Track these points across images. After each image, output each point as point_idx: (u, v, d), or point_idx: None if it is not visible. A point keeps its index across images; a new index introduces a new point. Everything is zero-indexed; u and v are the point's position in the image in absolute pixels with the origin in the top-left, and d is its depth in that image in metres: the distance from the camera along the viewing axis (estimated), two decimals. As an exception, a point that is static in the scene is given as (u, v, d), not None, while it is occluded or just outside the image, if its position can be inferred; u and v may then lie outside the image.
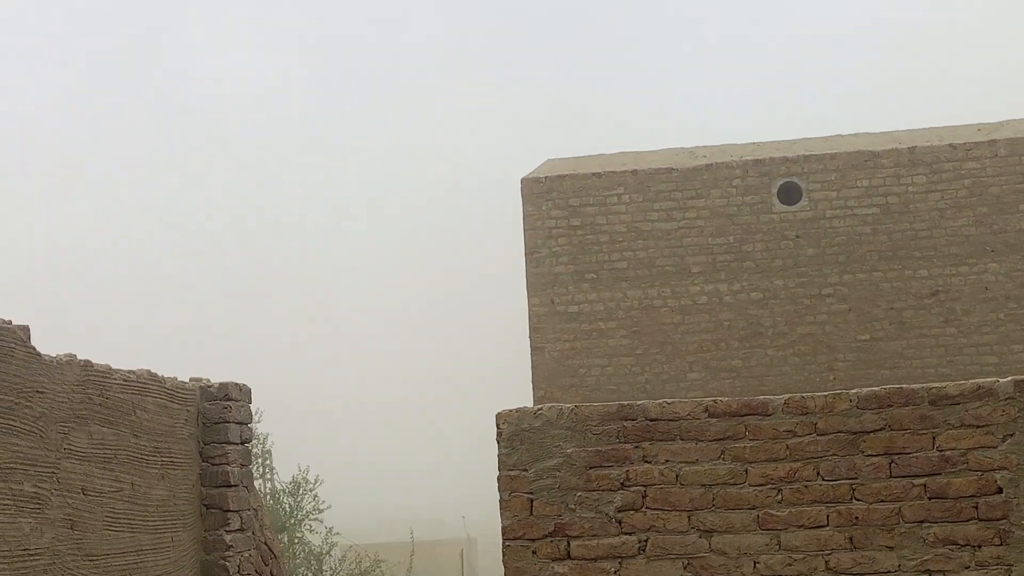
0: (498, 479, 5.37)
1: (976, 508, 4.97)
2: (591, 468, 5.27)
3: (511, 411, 5.42)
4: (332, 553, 19.54)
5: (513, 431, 5.36)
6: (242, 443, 6.99)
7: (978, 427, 5.02)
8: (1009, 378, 5.07)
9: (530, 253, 14.34)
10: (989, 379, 5.15)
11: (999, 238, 13.57)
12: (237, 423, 6.92)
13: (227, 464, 6.77)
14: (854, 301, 13.73)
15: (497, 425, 5.41)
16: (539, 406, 5.42)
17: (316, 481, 19.45)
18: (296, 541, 18.80)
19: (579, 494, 5.26)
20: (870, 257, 13.77)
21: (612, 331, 14.08)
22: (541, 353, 14.16)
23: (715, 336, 13.91)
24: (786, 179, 14.07)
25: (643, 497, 5.22)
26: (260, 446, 18.65)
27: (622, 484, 5.24)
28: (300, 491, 19.24)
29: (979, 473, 4.99)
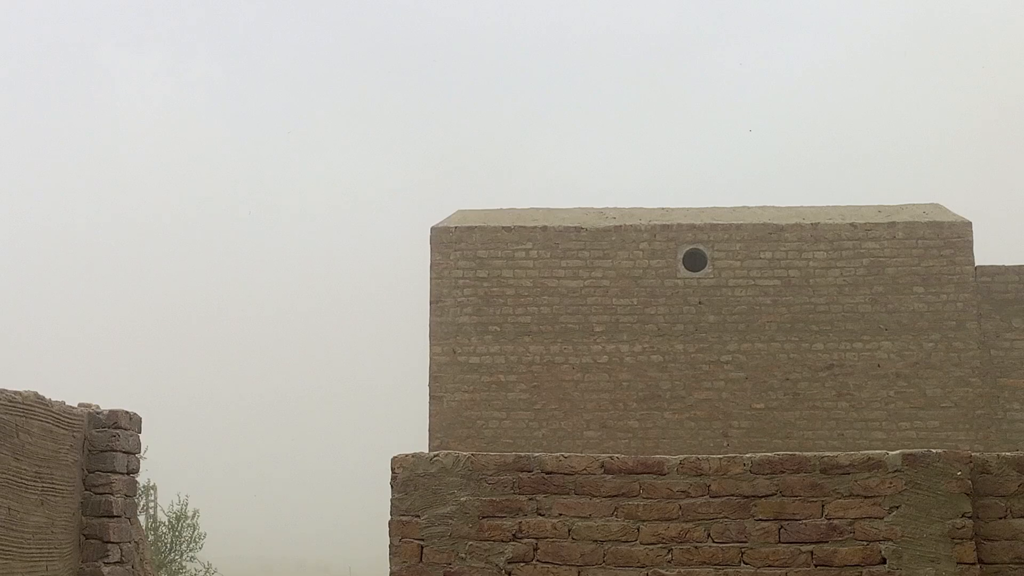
0: (389, 524, 5.31)
1: (860, 577, 5.03)
2: (484, 517, 5.23)
3: (407, 456, 5.37)
4: None
5: (408, 476, 5.31)
6: (128, 473, 6.80)
7: (866, 497, 5.11)
8: (898, 451, 5.18)
9: (435, 302, 14.31)
10: (879, 451, 5.25)
11: (893, 317, 13.93)
12: (125, 452, 6.73)
13: (111, 494, 6.57)
14: (751, 370, 13.94)
15: (392, 469, 5.36)
16: (435, 452, 5.38)
17: (194, 515, 19.11)
18: (175, 573, 18.37)
19: (470, 543, 5.21)
20: (769, 328, 14.01)
21: (512, 384, 14.07)
22: (439, 402, 14.09)
23: (614, 396, 14.00)
24: (692, 246, 14.29)
25: (535, 550, 5.19)
26: (146, 482, 18.25)
27: (514, 536, 5.21)
28: (180, 523, 18.90)
29: (865, 543, 5.07)
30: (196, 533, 18.95)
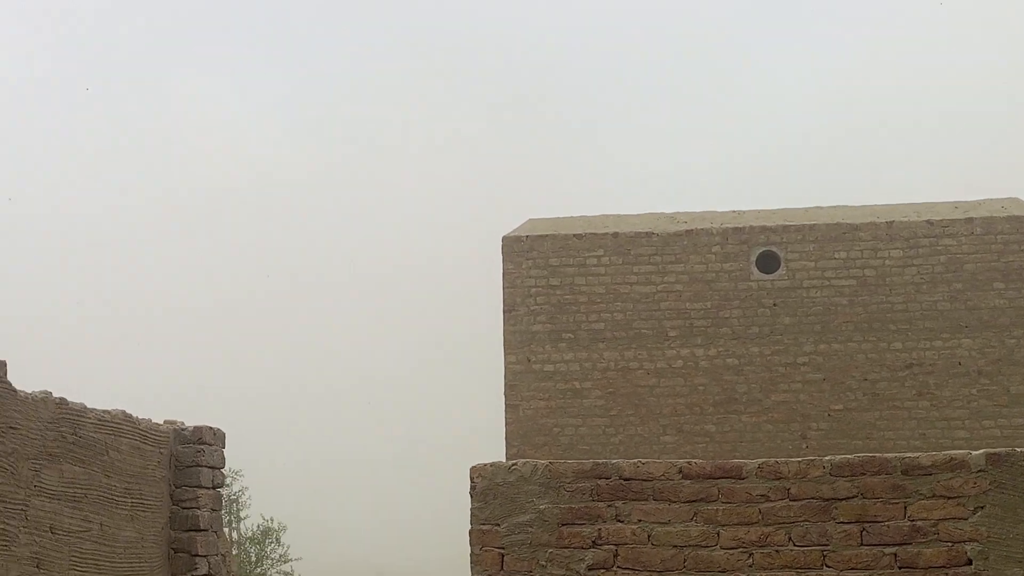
0: (470, 533, 5.35)
1: (945, 579, 4.98)
2: (563, 525, 5.26)
3: (485, 465, 5.42)
4: None
5: (487, 485, 5.36)
6: (213, 487, 6.95)
7: (949, 498, 5.05)
8: (981, 451, 5.11)
9: (508, 311, 14.38)
10: (962, 451, 5.19)
11: (973, 315, 13.71)
12: (209, 467, 6.88)
13: (197, 508, 6.72)
14: (829, 371, 13.80)
15: (471, 479, 5.40)
16: (513, 461, 5.42)
17: (280, 528, 19.33)
18: None
19: (550, 551, 5.24)
20: (846, 328, 13.87)
21: (587, 391, 14.09)
22: (515, 411, 14.15)
23: (689, 400, 13.94)
24: (765, 248, 14.19)
25: (614, 556, 5.21)
26: (229, 495, 18.54)
27: (594, 542, 5.23)
28: (266, 539, 19.12)
29: (949, 544, 5.01)
30: (285, 552, 19.16)
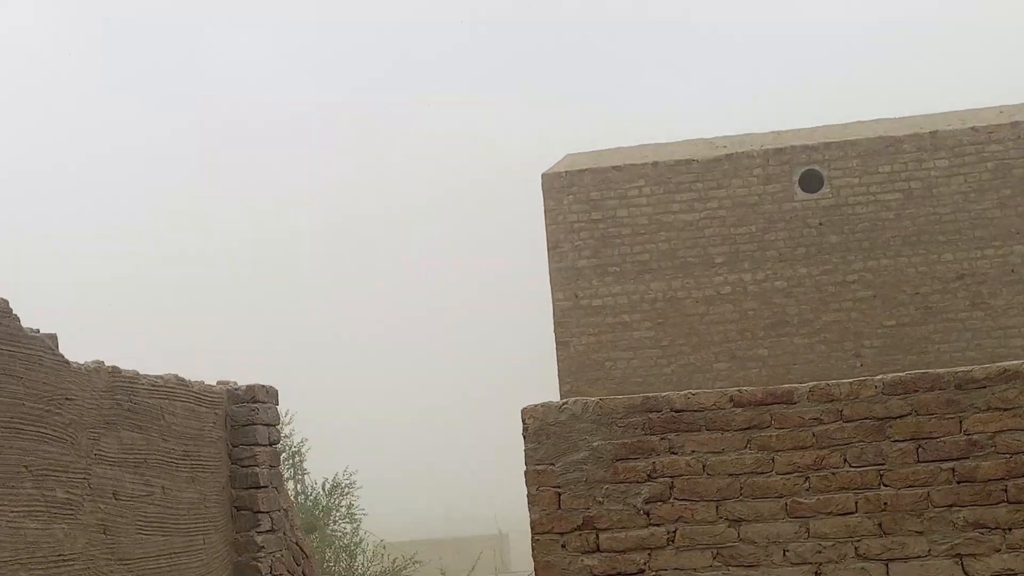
0: (525, 474, 5.39)
1: (1005, 491, 4.95)
2: (618, 460, 5.28)
3: (536, 406, 5.44)
4: (363, 548, 19.63)
5: (539, 426, 5.38)
6: (270, 444, 7.04)
7: (1005, 410, 5.00)
8: (1035, 360, 5.05)
9: (552, 248, 14.34)
10: (1016, 362, 5.12)
11: (1024, 220, 13.48)
12: (265, 425, 6.97)
13: (256, 466, 6.81)
14: (879, 287, 13.66)
15: (523, 420, 5.43)
16: (564, 400, 5.43)
17: (353, 483, 19.49)
18: (328, 539, 18.89)
19: (606, 487, 5.26)
20: (894, 243, 13.70)
21: (637, 323, 14.06)
22: (566, 348, 14.16)
23: (740, 326, 13.88)
24: (807, 167, 14.01)
25: (670, 488, 5.22)
26: (290, 448, 18.75)
27: (649, 476, 5.25)
28: (337, 492, 19.32)
29: (1007, 456, 4.97)
30: (352, 508, 19.35)
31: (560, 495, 5.30)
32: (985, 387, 5.03)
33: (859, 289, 13.71)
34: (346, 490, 19.47)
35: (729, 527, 5.14)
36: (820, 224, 13.88)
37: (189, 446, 6.42)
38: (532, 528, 5.34)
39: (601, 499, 5.26)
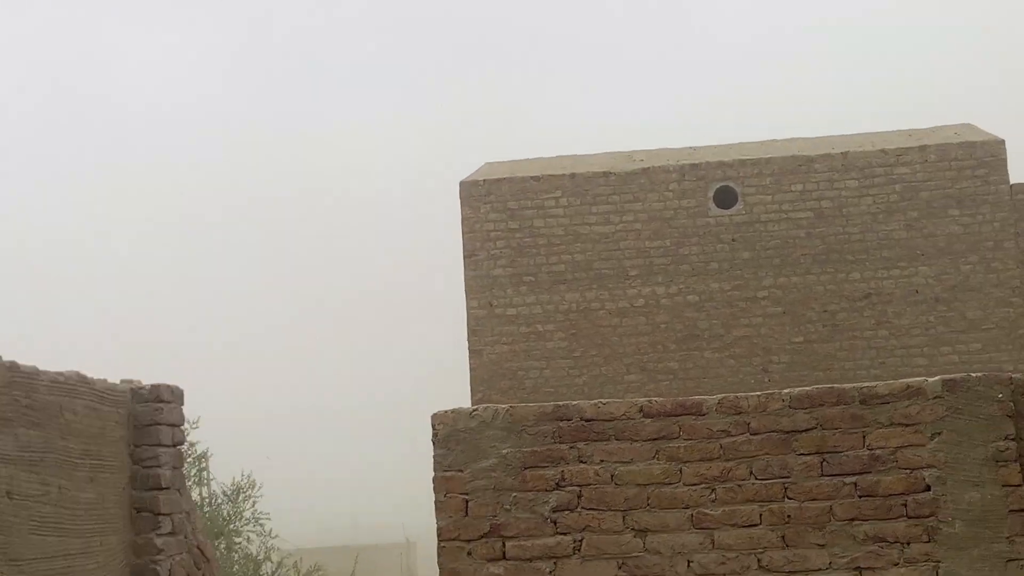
0: (433, 480, 5.35)
1: (905, 506, 5.03)
2: (526, 468, 5.26)
3: (446, 412, 5.40)
4: (271, 558, 19.35)
5: (448, 432, 5.35)
6: (174, 445, 6.89)
7: (907, 426, 5.09)
8: (937, 377, 5.15)
9: (468, 256, 14.33)
10: (918, 378, 5.22)
11: (929, 242, 13.80)
12: (169, 425, 6.81)
13: (158, 467, 6.66)
14: (788, 304, 13.88)
15: (433, 426, 5.39)
16: (474, 407, 5.41)
17: (256, 487, 19.22)
18: (234, 547, 18.59)
19: (514, 494, 5.25)
20: (804, 260, 13.93)
21: (550, 334, 14.10)
22: (479, 356, 14.15)
23: (652, 339, 13.99)
24: (722, 183, 14.19)
25: (578, 497, 5.22)
26: (195, 452, 18.42)
27: (557, 484, 5.24)
28: (240, 497, 19.02)
29: (908, 471, 5.06)
30: (256, 511, 19.08)
31: (468, 502, 5.27)
32: (888, 403, 5.12)
33: (769, 305, 13.92)
34: (249, 495, 19.18)
35: (635, 537, 5.16)
36: (733, 240, 14.06)
37: (89, 445, 6.25)
38: (439, 535, 5.30)
39: (509, 507, 5.24)
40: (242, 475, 19.13)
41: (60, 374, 6.15)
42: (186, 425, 7.39)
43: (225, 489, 19.12)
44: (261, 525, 18.96)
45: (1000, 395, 5.04)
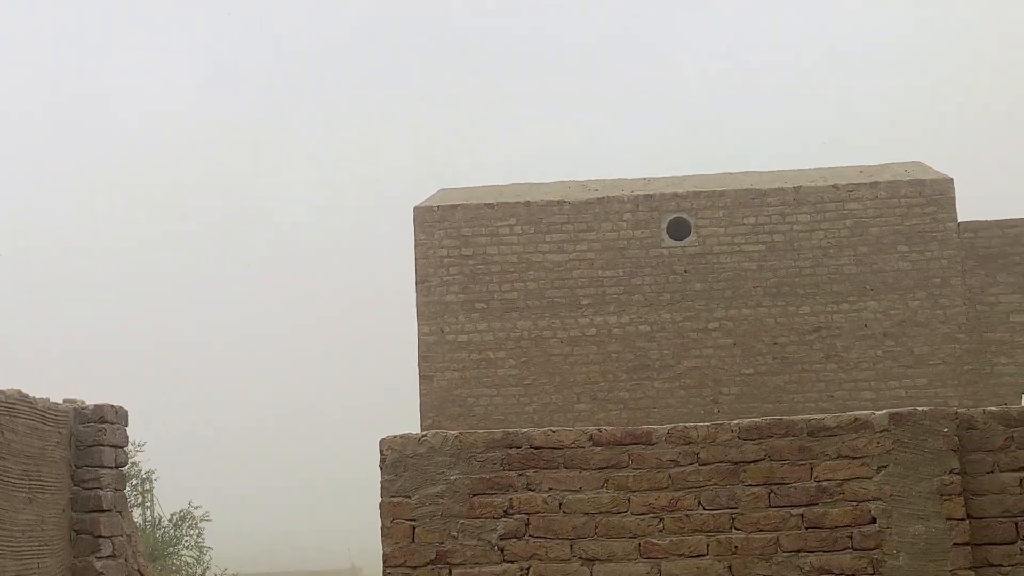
0: (380, 506, 5.30)
1: (851, 538, 5.05)
2: (474, 495, 5.22)
3: (395, 437, 5.35)
4: None
5: (397, 457, 5.30)
6: (116, 467, 6.78)
7: (854, 458, 5.11)
8: (884, 411, 5.18)
9: (421, 281, 14.28)
10: (865, 412, 5.25)
11: (878, 277, 13.95)
12: (112, 446, 6.71)
13: (100, 488, 6.55)
14: (739, 336, 13.96)
15: (381, 451, 5.34)
16: (423, 432, 5.36)
17: (202, 516, 19.06)
18: (172, 568, 18.37)
19: (462, 521, 5.20)
20: (755, 293, 14.02)
21: (501, 361, 14.07)
22: (429, 382, 14.08)
23: (603, 368, 14.01)
24: (675, 214, 14.27)
25: (526, 525, 5.19)
26: (140, 475, 18.20)
27: (505, 512, 5.21)
28: (186, 523, 18.85)
29: (854, 503, 5.07)
30: (199, 536, 18.89)
31: (415, 528, 5.22)
32: (836, 435, 5.14)
33: (720, 337, 13.99)
34: (195, 522, 19.00)
35: (583, 566, 5.13)
36: (685, 271, 14.14)
37: (29, 465, 6.13)
38: (384, 561, 5.24)
39: (456, 534, 5.20)
40: (189, 504, 18.97)
41: (0, 392, 6.03)
42: (130, 447, 7.27)
43: (170, 514, 18.93)
44: (200, 551, 18.77)
45: (945, 429, 5.07)
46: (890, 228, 14.03)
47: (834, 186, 14.19)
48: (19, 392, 6.15)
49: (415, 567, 5.19)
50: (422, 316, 14.21)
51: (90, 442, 6.62)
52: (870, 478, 5.08)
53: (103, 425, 6.63)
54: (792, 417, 5.24)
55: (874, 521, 5.04)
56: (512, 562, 5.16)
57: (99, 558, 6.43)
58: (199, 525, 18.94)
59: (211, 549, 18.97)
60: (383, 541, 5.28)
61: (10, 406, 5.99)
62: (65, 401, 6.69)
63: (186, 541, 18.75)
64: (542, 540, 5.17)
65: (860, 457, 5.10)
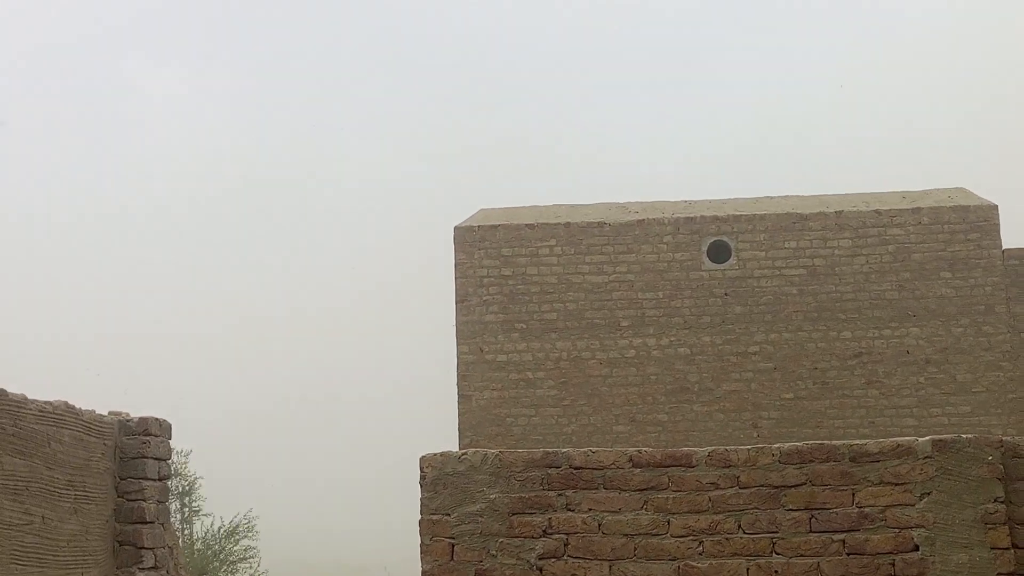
0: (420, 523, 5.32)
1: (893, 565, 5.01)
2: (514, 514, 5.23)
3: (435, 455, 5.38)
4: None
5: (436, 475, 5.32)
6: (160, 479, 6.85)
7: (897, 485, 5.08)
8: (928, 437, 5.15)
9: (461, 301, 14.33)
10: (908, 438, 5.22)
11: (920, 303, 13.85)
12: (155, 459, 6.79)
13: (143, 500, 6.62)
14: (779, 360, 13.89)
15: (421, 469, 5.37)
16: (463, 451, 5.39)
17: (252, 527, 19.22)
18: None
19: (501, 540, 5.22)
20: (796, 317, 13.95)
21: (540, 381, 14.08)
22: (468, 401, 14.10)
23: (642, 390, 13.97)
24: (716, 237, 14.24)
25: (565, 545, 5.19)
26: (182, 488, 18.38)
27: (544, 531, 5.21)
28: (234, 536, 19.02)
29: (896, 530, 5.04)
30: (246, 550, 19.06)
31: (454, 546, 5.24)
32: (878, 461, 5.12)
33: (760, 361, 13.92)
34: (243, 535, 19.18)
35: (621, 587, 5.12)
36: (725, 294, 14.09)
37: (74, 476, 6.21)
38: (423, 579, 5.26)
39: (495, 552, 5.21)
40: (244, 515, 19.14)
41: (48, 403, 6.12)
42: (176, 455, 7.37)
43: (218, 527, 19.09)
44: (249, 564, 18.91)
45: (990, 457, 5.03)
46: (933, 254, 13.93)
47: (876, 211, 14.11)
48: (66, 404, 6.23)
49: (454, 585, 5.20)
50: (461, 336, 14.25)
51: (134, 454, 6.69)
52: (913, 505, 5.04)
53: (147, 437, 6.71)
54: (834, 442, 5.22)
55: (917, 548, 5.00)
56: (551, 582, 5.16)
57: (141, 569, 6.49)
58: (250, 536, 19.10)
59: (257, 561, 19.10)
60: (422, 559, 5.30)
61: (58, 417, 6.08)
62: (110, 413, 6.78)
63: (232, 555, 18.91)
64: (581, 560, 5.17)
65: (903, 483, 5.07)
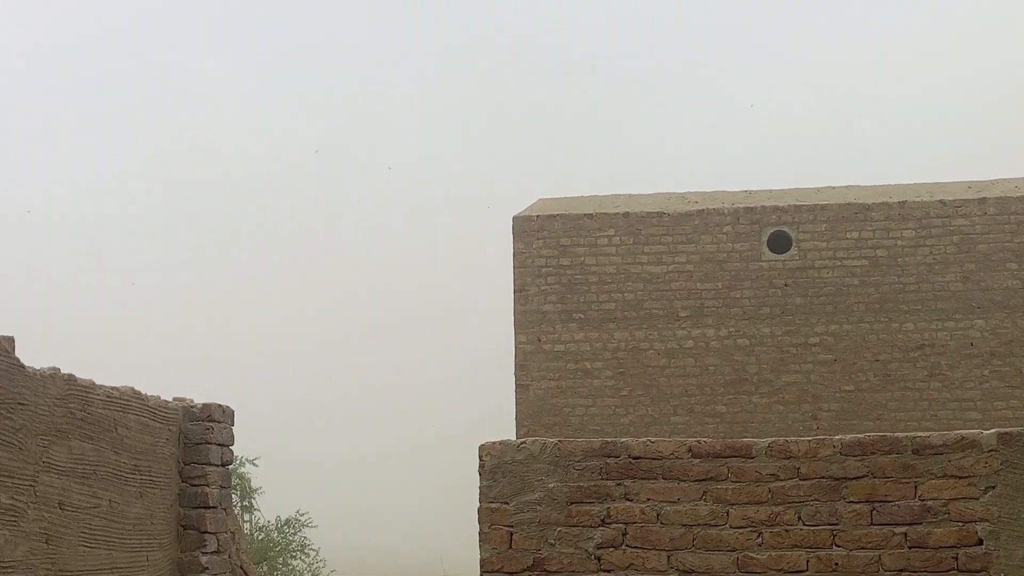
0: (478, 511, 5.35)
1: (956, 559, 4.96)
2: (572, 503, 5.25)
3: (494, 443, 5.41)
4: None
5: (495, 464, 5.35)
6: (222, 465, 6.96)
7: (960, 478, 5.02)
8: (993, 430, 5.08)
9: (519, 291, 14.35)
10: (973, 431, 5.15)
11: (986, 295, 13.64)
12: (219, 445, 6.89)
13: (206, 485, 6.73)
14: (840, 352, 13.76)
15: (480, 457, 5.40)
16: (522, 439, 5.41)
17: (308, 521, 19.51)
18: (278, 571, 18.82)
19: (559, 529, 5.23)
20: (857, 308, 13.81)
21: (598, 371, 14.07)
22: (526, 391, 14.13)
23: (700, 381, 13.91)
24: (776, 228, 14.13)
25: (623, 535, 5.20)
26: (243, 481, 18.66)
27: (603, 521, 5.22)
28: (292, 529, 19.32)
29: (960, 524, 4.99)
30: (303, 542, 19.37)
31: (512, 534, 5.26)
32: (942, 454, 5.06)
33: (820, 352, 13.80)
34: (300, 527, 19.47)
35: (679, 578, 5.12)
36: (785, 285, 13.98)
37: (140, 461, 6.33)
38: (481, 566, 5.29)
39: (553, 541, 5.23)
40: (300, 511, 19.46)
41: (115, 389, 6.24)
42: (240, 459, 7.49)
43: (275, 519, 19.40)
44: (307, 554, 19.18)
45: (1057, 451, 4.96)
46: (999, 245, 13.70)
47: (941, 201, 13.92)
48: (132, 389, 6.35)
49: (512, 573, 5.23)
50: (519, 325, 14.28)
51: (198, 440, 6.80)
52: (977, 498, 4.98)
53: (210, 424, 6.81)
54: (896, 434, 5.17)
55: (981, 543, 4.94)
56: (609, 571, 5.17)
57: (204, 553, 6.61)
58: (306, 527, 19.37)
59: (315, 551, 19.39)
60: (481, 546, 5.33)
61: (124, 403, 6.19)
62: (175, 399, 6.90)
63: (291, 546, 19.21)
64: (639, 550, 5.17)
65: (967, 477, 5.01)
